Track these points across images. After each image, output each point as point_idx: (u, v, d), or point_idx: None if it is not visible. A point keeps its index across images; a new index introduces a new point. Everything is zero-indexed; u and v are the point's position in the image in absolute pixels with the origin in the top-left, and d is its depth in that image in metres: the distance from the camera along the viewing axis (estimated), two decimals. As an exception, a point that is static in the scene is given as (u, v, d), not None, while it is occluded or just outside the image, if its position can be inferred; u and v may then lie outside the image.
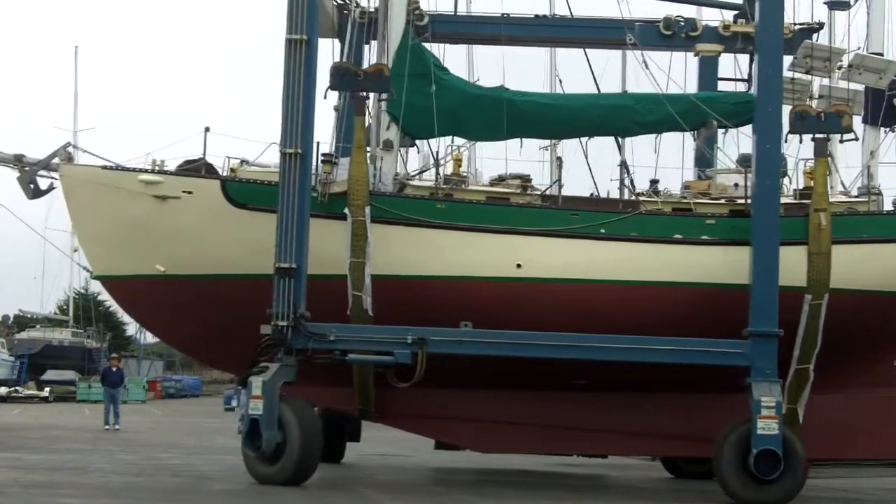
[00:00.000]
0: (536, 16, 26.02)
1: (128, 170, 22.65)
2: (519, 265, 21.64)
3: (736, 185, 22.88)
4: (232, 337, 22.32)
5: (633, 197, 22.60)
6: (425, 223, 21.76)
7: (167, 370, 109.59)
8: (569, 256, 21.65)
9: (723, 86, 26.28)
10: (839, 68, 22.81)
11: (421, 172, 23.47)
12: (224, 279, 22.23)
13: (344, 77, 21.41)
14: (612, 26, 25.59)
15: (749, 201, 21.74)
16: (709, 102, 23.20)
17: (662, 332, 20.75)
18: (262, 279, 21.56)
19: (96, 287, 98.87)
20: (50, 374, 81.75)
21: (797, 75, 24.17)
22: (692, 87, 26.06)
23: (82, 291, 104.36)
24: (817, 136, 21.16)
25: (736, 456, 20.02)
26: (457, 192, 22.42)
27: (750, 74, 26.24)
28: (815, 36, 25.99)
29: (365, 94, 21.55)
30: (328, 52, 26.79)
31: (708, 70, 26.28)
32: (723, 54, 26.33)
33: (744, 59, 26.59)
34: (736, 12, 26.69)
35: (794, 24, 26.01)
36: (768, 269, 20.43)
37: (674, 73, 26.19)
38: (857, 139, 22.00)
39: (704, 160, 25.16)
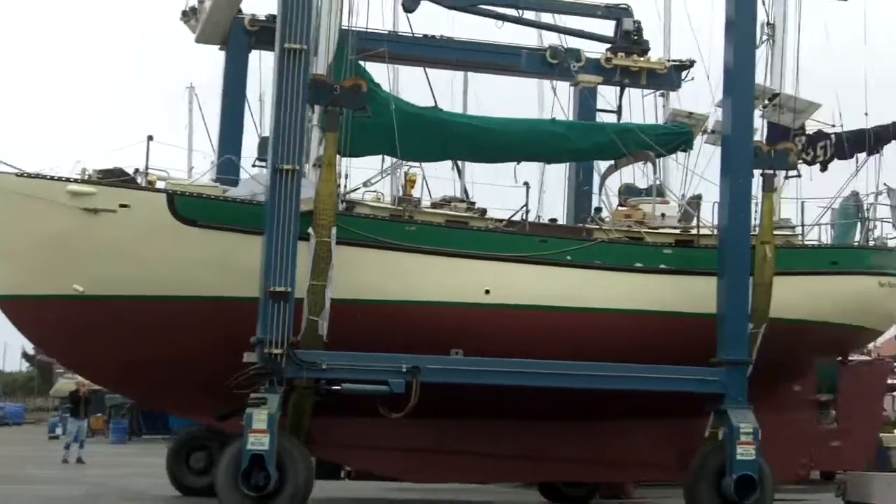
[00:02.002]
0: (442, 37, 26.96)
1: (51, 178, 21.43)
2: (488, 291, 22.26)
3: (663, 215, 24.50)
4: (166, 363, 21.73)
5: (590, 224, 23.70)
6: (394, 246, 21.97)
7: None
8: (537, 283, 22.47)
9: (599, 116, 27.99)
10: (764, 106, 24.81)
11: (353, 191, 23.43)
12: (164, 301, 21.52)
13: (319, 91, 21.22)
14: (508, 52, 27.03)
15: (701, 232, 23.50)
16: (644, 132, 24.63)
17: (624, 359, 21.90)
18: (210, 301, 21.32)
19: None
20: None
21: (696, 110, 26.27)
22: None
23: None
24: (765, 171, 23.00)
25: (712, 481, 21.63)
26: (415, 213, 22.72)
27: (620, 106, 28.19)
28: (685, 73, 28.36)
29: (340, 109, 21.42)
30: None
31: (587, 100, 27.88)
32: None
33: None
34: (608, 45, 28.53)
35: (669, 60, 28.31)
36: (740, 299, 22.17)
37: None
38: (799, 176, 24.06)
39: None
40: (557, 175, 27.82)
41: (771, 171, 23.10)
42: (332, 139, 21.20)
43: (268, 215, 20.32)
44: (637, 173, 27.33)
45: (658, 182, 25.18)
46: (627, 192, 26.45)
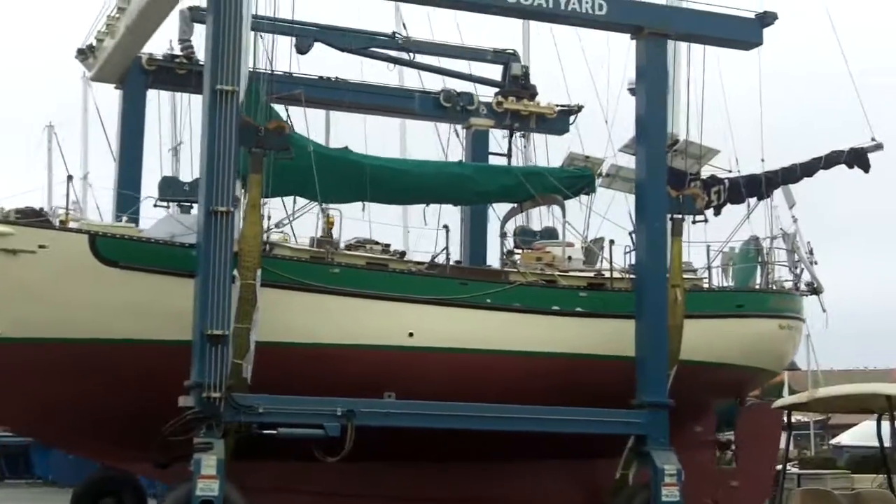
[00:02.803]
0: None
1: None
2: (411, 333, 22.60)
3: (570, 257, 25.21)
4: (87, 407, 21.49)
5: (508, 267, 24.28)
6: (318, 288, 22.15)
7: None
8: (460, 325, 22.91)
9: (492, 159, 28.63)
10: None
11: (267, 232, 23.46)
12: (85, 343, 21.29)
13: (244, 132, 21.24)
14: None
15: (614, 275, 24.29)
16: (551, 175, 25.34)
17: (543, 401, 22.51)
18: (131, 344, 21.20)
19: None
20: None
21: (592, 154, 27.11)
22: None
23: None
24: (674, 216, 23.91)
25: None
26: (336, 255, 22.92)
27: (510, 149, 28.94)
28: (572, 117, 29.33)
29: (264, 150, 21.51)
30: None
31: (479, 143, 28.56)
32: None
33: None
34: (497, 89, 29.29)
35: (557, 105, 29.23)
36: (658, 342, 22.99)
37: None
38: (706, 221, 25.03)
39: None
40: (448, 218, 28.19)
41: (680, 216, 23.95)
42: (257, 181, 21.26)
43: (202, 258, 20.36)
44: (532, 216, 28.24)
45: (565, 224, 25.82)
46: (523, 234, 27.15)
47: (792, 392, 40.40)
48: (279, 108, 25.08)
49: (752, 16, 24.02)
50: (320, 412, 20.89)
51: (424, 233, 26.74)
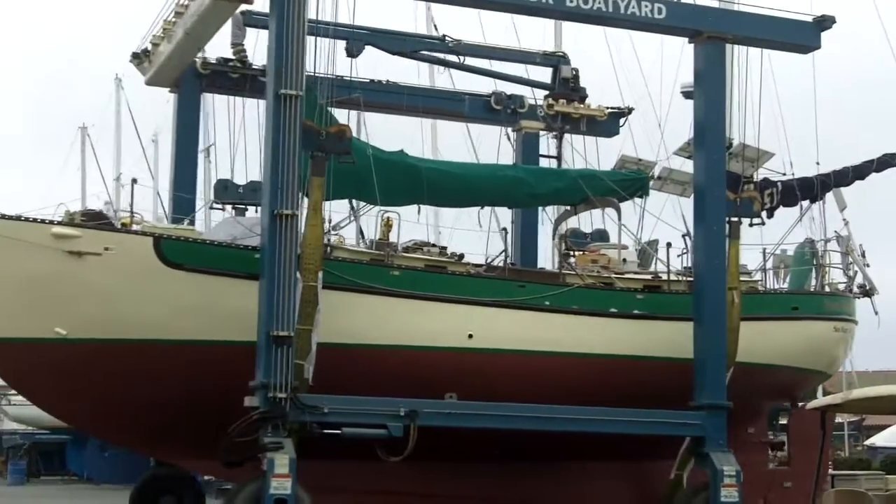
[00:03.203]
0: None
1: (34, 221, 21.32)
2: (471, 335, 22.86)
3: (624, 260, 25.46)
4: (154, 408, 21.80)
5: (566, 269, 24.50)
6: (379, 290, 22.42)
7: None
8: (519, 327, 23.15)
9: (541, 162, 28.87)
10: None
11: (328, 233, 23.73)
12: (150, 344, 21.57)
13: (306, 136, 21.45)
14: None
15: (669, 277, 24.50)
16: (607, 178, 25.58)
17: (600, 402, 22.75)
18: (196, 345, 21.48)
19: None
20: None
21: (643, 157, 27.37)
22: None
23: None
24: (731, 219, 24.08)
25: None
26: (395, 258, 23.18)
27: (559, 152, 29.15)
28: (622, 119, 29.53)
29: (324, 154, 21.75)
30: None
31: (529, 146, 28.77)
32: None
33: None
34: (546, 92, 29.50)
35: (607, 107, 29.42)
36: (717, 345, 23.17)
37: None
38: (763, 224, 25.20)
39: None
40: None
41: (737, 219, 24.13)
42: (319, 184, 21.49)
43: (266, 260, 20.61)
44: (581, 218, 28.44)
45: (620, 227, 26.05)
46: (574, 236, 27.35)
47: (826, 393, 40.58)
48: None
49: (809, 19, 24.13)
50: (384, 412, 21.14)
51: (455, 234, 27.12)
